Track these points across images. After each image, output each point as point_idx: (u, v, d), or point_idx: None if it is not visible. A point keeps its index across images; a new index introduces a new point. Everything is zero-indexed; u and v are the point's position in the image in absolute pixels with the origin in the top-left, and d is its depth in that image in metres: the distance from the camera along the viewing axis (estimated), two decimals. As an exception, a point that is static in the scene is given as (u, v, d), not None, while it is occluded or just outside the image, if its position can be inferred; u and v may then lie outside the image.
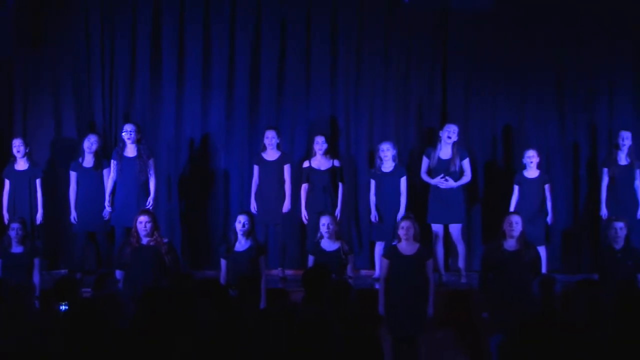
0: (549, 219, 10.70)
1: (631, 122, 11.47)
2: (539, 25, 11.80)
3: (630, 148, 10.75)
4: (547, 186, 10.71)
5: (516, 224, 9.27)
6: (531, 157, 10.70)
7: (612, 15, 11.68)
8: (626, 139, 10.76)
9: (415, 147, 11.76)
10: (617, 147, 10.79)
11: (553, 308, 7.24)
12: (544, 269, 9.70)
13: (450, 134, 10.79)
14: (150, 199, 10.91)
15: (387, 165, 10.82)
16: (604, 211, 10.76)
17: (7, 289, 7.03)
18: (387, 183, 10.80)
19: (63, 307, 6.82)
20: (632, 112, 11.68)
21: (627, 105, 11.71)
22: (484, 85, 11.93)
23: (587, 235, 11.62)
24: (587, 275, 9.74)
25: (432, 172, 10.81)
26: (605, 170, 10.87)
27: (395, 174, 10.81)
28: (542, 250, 10.04)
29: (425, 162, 10.90)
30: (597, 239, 11.19)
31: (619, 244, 9.35)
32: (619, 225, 9.38)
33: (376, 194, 10.87)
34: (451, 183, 10.71)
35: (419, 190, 11.16)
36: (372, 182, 10.93)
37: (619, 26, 11.69)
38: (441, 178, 10.69)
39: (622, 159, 10.75)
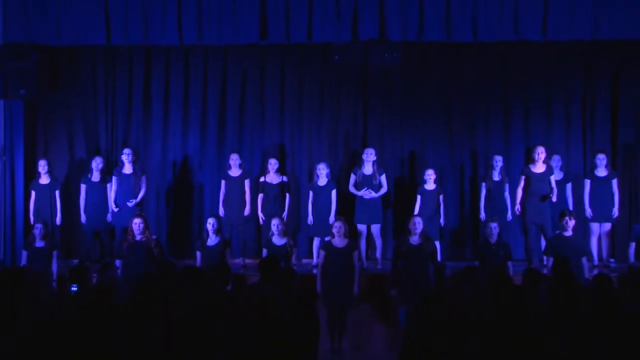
0: (442, 220, 10.76)
1: (501, 148, 11.60)
2: (433, 76, 11.90)
3: (501, 168, 10.85)
4: (441, 196, 10.77)
5: (418, 224, 9.35)
6: (429, 175, 10.76)
7: (486, 68, 11.83)
8: (498, 161, 10.86)
9: (344, 166, 11.78)
10: (492, 167, 10.87)
11: (444, 286, 7.31)
12: (438, 258, 9.76)
13: (368, 155, 10.85)
14: (134, 201, 10.81)
15: (322, 181, 10.83)
16: (482, 215, 10.82)
17: (32, 274, 6.93)
18: (322, 194, 10.79)
19: (74, 288, 6.76)
20: (502, 141, 11.81)
21: (498, 135, 11.83)
22: (394, 119, 11.99)
23: (470, 232, 11.71)
24: (470, 263, 9.78)
25: (358, 185, 10.83)
26: (483, 184, 10.95)
27: (328, 188, 10.80)
28: (437, 244, 10.11)
29: (352, 177, 10.92)
30: (477, 236, 11.28)
31: (494, 239, 9.43)
32: (494, 225, 9.48)
33: (313, 202, 10.85)
34: (373, 194, 10.75)
35: (348, 199, 11.15)
36: (311, 193, 10.91)
37: (491, 76, 11.84)
38: (365, 191, 10.73)
39: (496, 176, 10.83)
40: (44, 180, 10.92)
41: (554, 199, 10.50)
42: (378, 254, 10.90)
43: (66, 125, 11.91)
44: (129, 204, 10.70)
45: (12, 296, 5.48)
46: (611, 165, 11.05)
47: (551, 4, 10.57)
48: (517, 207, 10.74)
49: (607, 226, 10.83)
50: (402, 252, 9.29)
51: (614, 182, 10.74)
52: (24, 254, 9.79)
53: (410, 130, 11.98)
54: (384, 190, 10.88)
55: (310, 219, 10.90)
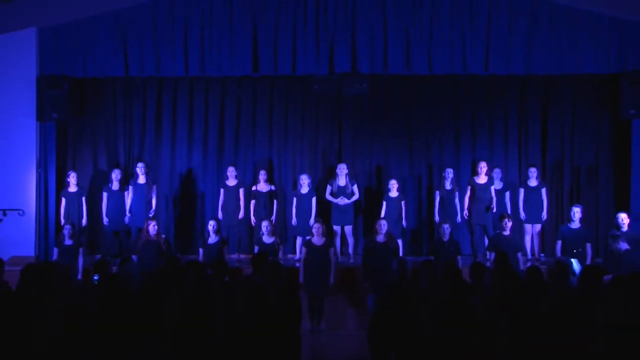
0: (404, 222, 10.77)
1: (452, 162, 11.66)
2: (396, 103, 11.94)
3: (452, 179, 10.89)
4: (403, 202, 10.77)
5: (384, 225, 9.38)
6: (393, 184, 10.78)
7: (440, 96, 11.88)
8: (450, 173, 10.89)
9: (322, 178, 11.79)
10: (444, 178, 10.88)
11: (405, 277, 7.33)
12: (400, 254, 9.78)
13: (342, 169, 10.86)
14: (152, 210, 10.80)
15: (304, 189, 10.83)
16: (436, 218, 10.82)
17: (62, 267, 6.90)
18: (304, 200, 10.79)
19: (95, 278, 6.76)
20: (453, 156, 11.86)
21: (450, 152, 11.88)
22: (364, 138, 11.99)
23: (426, 232, 11.74)
24: (426, 257, 9.84)
25: (334, 194, 10.81)
26: (437, 192, 10.96)
27: (309, 195, 10.81)
28: (399, 242, 10.14)
29: (328, 188, 10.91)
30: (432, 235, 11.31)
31: (446, 238, 9.47)
32: (446, 226, 9.52)
33: (297, 207, 10.85)
34: (346, 201, 10.76)
35: (325, 204, 11.14)
36: (294, 199, 10.91)
37: (444, 102, 11.87)
38: (340, 199, 10.74)
39: (447, 185, 10.85)
40: (73, 188, 10.86)
41: (494, 208, 10.58)
42: (350, 250, 10.90)
43: (91, 143, 11.85)
44: (150, 215, 10.61)
45: (46, 285, 5.46)
46: (541, 177, 11.17)
47: (492, 45, 10.72)
48: (465, 212, 10.81)
49: (538, 227, 10.92)
50: (370, 249, 9.31)
51: (544, 190, 10.83)
52: (55, 250, 9.75)
53: (377, 147, 12.00)
54: (355, 197, 10.89)
55: (294, 220, 10.89)
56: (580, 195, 11.53)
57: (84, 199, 10.87)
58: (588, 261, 9.40)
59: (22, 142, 11.09)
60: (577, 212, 9.79)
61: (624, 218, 9.29)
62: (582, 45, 10.67)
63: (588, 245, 9.62)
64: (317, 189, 11.33)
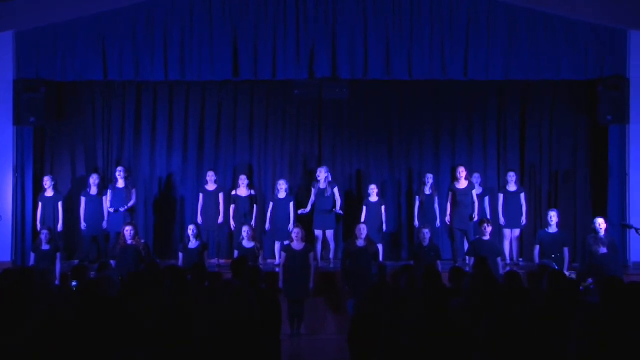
0: (384, 227, 10.79)
1: (432, 167, 11.72)
2: (376, 107, 11.99)
3: (432, 184, 10.94)
4: (383, 207, 10.80)
5: (363, 229, 9.40)
6: (373, 189, 10.81)
7: (419, 102, 11.97)
8: (429, 178, 10.96)
9: (302, 182, 11.79)
10: (424, 183, 10.96)
11: (385, 282, 7.34)
12: (380, 258, 9.80)
13: (321, 173, 10.86)
14: (124, 207, 10.69)
15: (282, 194, 10.81)
16: (416, 222, 10.86)
17: (38, 272, 6.83)
18: (282, 205, 10.78)
19: (74, 283, 6.70)
20: (432, 161, 11.92)
21: (430, 157, 11.95)
22: (344, 143, 12.03)
23: (406, 237, 11.76)
24: (406, 262, 9.86)
25: (317, 198, 10.80)
26: (417, 197, 11.01)
27: (286, 200, 10.79)
28: (380, 246, 10.15)
29: (313, 191, 10.90)
30: (412, 239, 11.34)
31: (426, 242, 9.51)
32: (426, 231, 9.56)
33: (274, 212, 10.81)
34: (305, 211, 10.72)
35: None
36: (271, 204, 10.89)
37: (423, 108, 11.95)
38: (303, 211, 10.72)
39: (427, 190, 10.91)
40: (49, 193, 10.77)
41: (475, 217, 10.61)
42: (331, 255, 10.88)
43: (69, 147, 11.78)
44: (121, 210, 10.63)
45: (24, 290, 5.40)
46: (520, 182, 11.25)
47: (470, 51, 10.80)
48: (447, 217, 10.85)
49: (517, 232, 11.00)
50: (350, 253, 9.33)
51: (522, 195, 10.92)
52: (32, 255, 9.67)
53: (357, 152, 12.04)
54: (339, 203, 10.85)
55: (267, 225, 10.87)
56: (558, 200, 11.63)
57: (60, 203, 10.78)
58: (566, 265, 9.49)
59: (-1, 146, 11.00)
60: (553, 216, 9.87)
61: (601, 223, 9.39)
62: (559, 52, 10.79)
63: (566, 250, 9.71)
64: (297, 194, 11.33)
